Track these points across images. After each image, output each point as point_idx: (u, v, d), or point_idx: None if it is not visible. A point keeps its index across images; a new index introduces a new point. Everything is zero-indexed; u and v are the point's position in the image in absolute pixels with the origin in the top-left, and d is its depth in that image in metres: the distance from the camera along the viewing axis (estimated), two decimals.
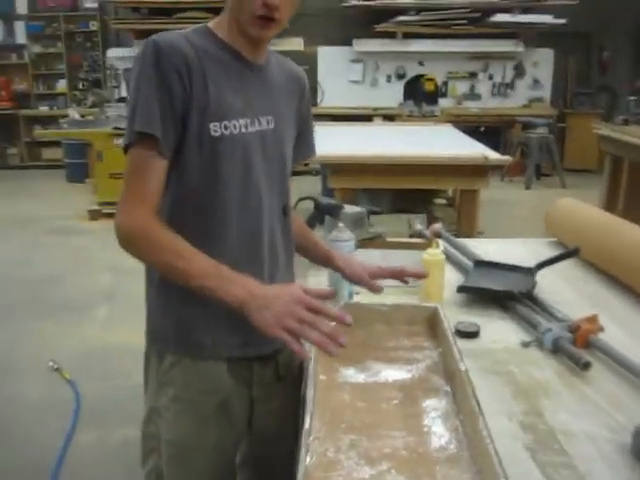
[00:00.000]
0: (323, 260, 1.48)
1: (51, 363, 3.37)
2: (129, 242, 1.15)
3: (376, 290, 1.34)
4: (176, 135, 1.16)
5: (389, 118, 8.18)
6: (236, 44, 1.24)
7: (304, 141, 1.46)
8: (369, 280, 1.35)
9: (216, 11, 1.38)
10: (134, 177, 1.16)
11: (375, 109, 8.52)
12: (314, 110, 7.35)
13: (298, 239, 1.45)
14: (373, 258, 1.67)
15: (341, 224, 1.55)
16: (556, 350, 1.34)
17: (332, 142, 4.70)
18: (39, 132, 7.37)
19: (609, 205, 5.74)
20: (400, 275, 1.37)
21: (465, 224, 4.08)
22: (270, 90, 1.30)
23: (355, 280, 1.39)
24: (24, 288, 4.55)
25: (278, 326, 1.01)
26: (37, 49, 9.31)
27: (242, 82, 1.24)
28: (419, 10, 8.26)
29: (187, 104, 1.15)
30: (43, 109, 9.33)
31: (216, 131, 1.18)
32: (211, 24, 1.26)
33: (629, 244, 1.69)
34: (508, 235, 4.84)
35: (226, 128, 1.19)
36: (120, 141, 1.23)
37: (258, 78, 1.28)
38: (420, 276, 1.39)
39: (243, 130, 1.22)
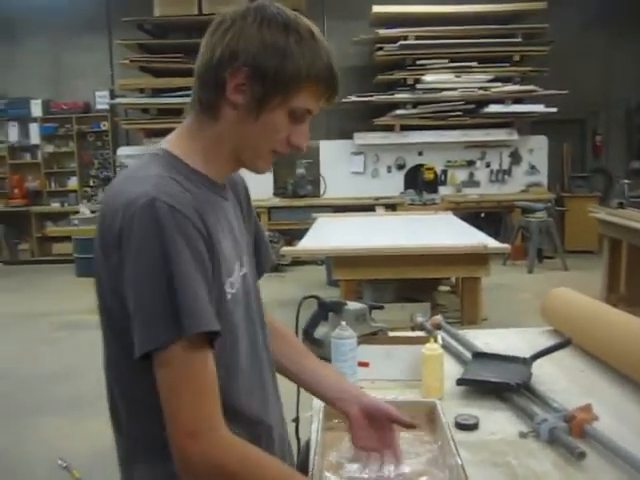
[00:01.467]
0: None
1: (60, 461, 3.36)
2: (229, 470, 0.95)
3: (409, 425, 1.26)
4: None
5: (391, 207, 8.40)
6: (211, 171, 1.09)
7: (262, 250, 1.31)
8: (398, 415, 1.25)
9: None
10: (193, 392, 0.93)
11: (377, 199, 8.73)
12: (318, 201, 7.57)
13: (302, 376, 1.34)
14: (376, 353, 1.75)
15: (343, 322, 1.64)
16: (552, 440, 1.39)
17: (336, 233, 4.84)
18: (51, 229, 7.57)
19: (611, 286, 5.82)
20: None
21: (468, 311, 4.16)
22: (234, 211, 1.18)
23: (379, 410, 1.26)
24: (32, 384, 4.57)
25: None
26: (50, 149, 9.71)
27: (226, 218, 1.11)
28: (415, 104, 8.62)
29: (211, 275, 0.99)
30: (55, 205, 9.62)
31: (229, 293, 1.05)
32: (175, 150, 1.07)
33: (619, 333, 1.77)
34: (513, 320, 4.92)
35: (232, 286, 1.06)
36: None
37: (229, 205, 1.15)
38: (407, 427, 1.27)
39: (240, 279, 1.10)
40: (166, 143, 1.10)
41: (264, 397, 1.19)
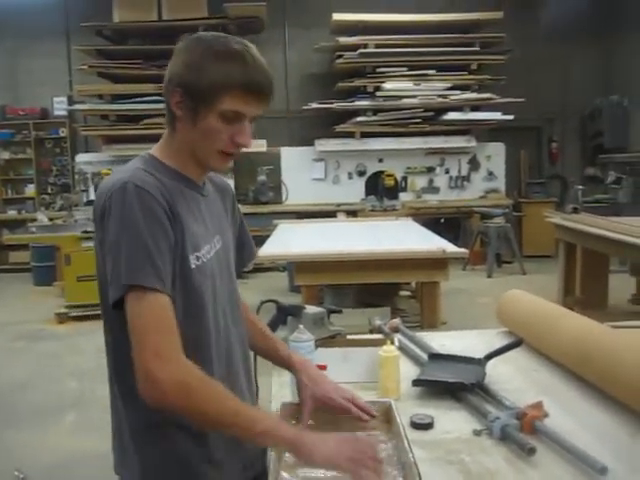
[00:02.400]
0: (284, 366, 1.54)
1: (17, 473, 3.30)
2: (179, 398, 1.12)
3: (304, 423, 1.39)
4: (172, 271, 1.20)
5: (352, 213, 8.45)
6: (187, 171, 1.32)
7: (244, 247, 1.57)
8: (305, 412, 1.41)
9: None
10: (155, 325, 1.14)
11: (338, 205, 8.80)
12: (280, 208, 7.59)
13: (259, 343, 1.55)
14: (334, 356, 1.77)
15: (301, 325, 1.65)
16: (504, 437, 1.43)
17: (297, 239, 4.85)
18: (8, 237, 7.42)
19: (567, 289, 5.95)
20: (347, 409, 1.41)
21: (428, 315, 4.21)
22: (213, 209, 1.39)
23: (300, 398, 1.45)
24: None
25: (341, 457, 1.15)
26: (6, 155, 9.53)
27: (198, 208, 1.32)
28: (376, 111, 8.72)
29: (173, 240, 1.20)
30: (11, 213, 9.45)
31: (194, 263, 1.24)
32: (157, 153, 1.32)
33: (569, 333, 1.82)
34: (472, 323, 5.00)
35: (198, 259, 1.26)
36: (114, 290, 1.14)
37: (205, 200, 1.36)
38: (368, 413, 1.42)
39: (208, 257, 1.29)
40: (152, 149, 1.34)
41: (233, 382, 1.33)
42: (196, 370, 1.15)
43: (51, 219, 7.44)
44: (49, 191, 9.56)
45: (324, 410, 1.41)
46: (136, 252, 1.14)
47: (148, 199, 1.17)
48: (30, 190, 9.61)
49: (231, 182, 8.85)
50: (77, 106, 8.86)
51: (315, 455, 1.15)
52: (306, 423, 1.38)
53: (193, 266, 1.24)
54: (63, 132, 9.46)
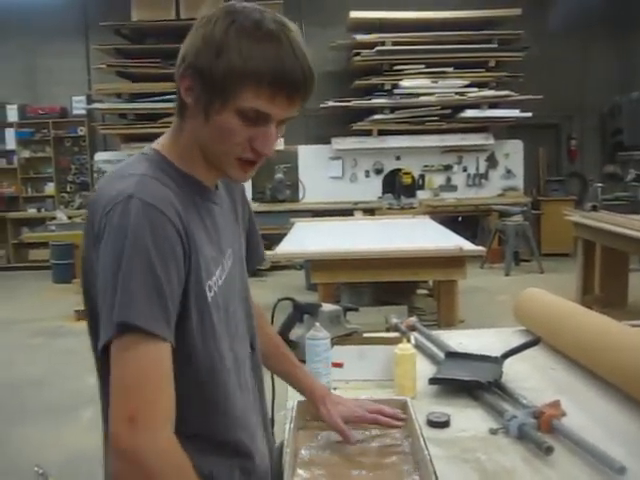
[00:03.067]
0: (303, 394, 1.45)
1: (36, 468, 3.32)
2: (150, 473, 0.89)
3: (351, 442, 1.32)
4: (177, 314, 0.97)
5: (369, 211, 8.44)
6: (200, 174, 1.08)
7: (253, 249, 1.34)
8: (344, 428, 1.33)
9: None
10: (150, 384, 0.91)
11: (355, 203, 8.79)
12: (297, 206, 7.60)
13: (277, 365, 1.44)
14: (350, 354, 1.77)
15: (317, 323, 1.66)
16: (521, 436, 1.42)
17: (314, 238, 4.85)
18: (28, 235, 7.50)
19: (585, 288, 5.91)
20: (377, 420, 1.37)
21: (445, 314, 4.20)
22: (225, 217, 1.17)
23: (330, 424, 1.37)
24: (7, 392, 4.53)
25: None
26: (26, 154, 9.62)
27: (212, 222, 1.10)
28: (393, 109, 8.69)
29: (187, 271, 0.98)
30: (31, 211, 9.55)
31: (209, 296, 1.03)
32: (164, 151, 1.07)
33: (587, 331, 1.81)
34: (489, 322, 4.96)
35: (210, 289, 1.04)
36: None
37: (219, 209, 1.14)
38: (398, 419, 1.39)
39: (220, 282, 1.08)
40: (156, 144, 1.09)
41: (250, 425, 1.17)
42: (172, 453, 0.92)
43: (70, 217, 7.52)
44: (68, 189, 9.65)
45: (354, 428, 1.37)
46: (143, 288, 0.90)
47: (161, 222, 0.93)
48: (49, 188, 9.70)
49: (248, 181, 8.88)
50: (96, 105, 8.94)
51: None
52: (350, 434, 1.33)
53: (209, 299, 1.03)
54: (82, 131, 9.54)
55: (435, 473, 1.09)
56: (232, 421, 1.10)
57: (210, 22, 0.98)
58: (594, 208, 5.99)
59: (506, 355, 1.78)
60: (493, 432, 1.47)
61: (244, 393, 1.15)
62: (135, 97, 8.61)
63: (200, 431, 1.05)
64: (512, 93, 8.64)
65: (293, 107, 1.01)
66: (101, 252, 0.94)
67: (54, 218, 7.62)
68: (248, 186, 8.92)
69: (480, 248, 4.46)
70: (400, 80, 8.55)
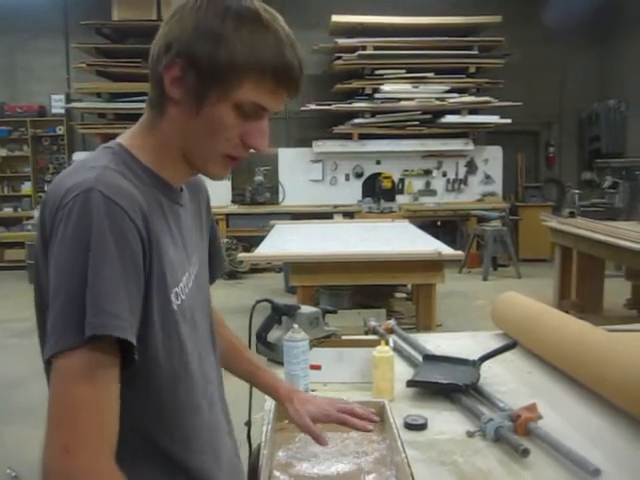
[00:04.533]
0: (268, 393, 1.36)
1: (9, 471, 3.29)
2: None
3: (322, 443, 1.22)
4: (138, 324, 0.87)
5: (349, 215, 8.46)
6: (165, 173, 0.99)
7: (215, 258, 1.22)
8: (314, 430, 1.22)
9: None
10: (86, 405, 0.80)
11: (335, 206, 8.80)
12: (277, 208, 7.58)
13: (238, 365, 1.33)
14: (328, 356, 1.77)
15: (295, 325, 1.65)
16: (498, 439, 1.43)
17: (293, 240, 4.85)
18: (4, 234, 7.42)
19: (562, 293, 5.98)
20: (345, 421, 1.26)
21: (423, 317, 4.21)
22: (190, 220, 1.08)
23: (299, 424, 1.26)
24: None
25: None
26: (3, 153, 9.49)
27: (177, 224, 1.01)
28: (374, 113, 8.71)
29: (148, 277, 0.89)
30: (7, 210, 9.42)
31: (175, 303, 0.95)
32: (130, 146, 0.98)
33: (564, 336, 1.83)
34: (467, 326, 5.00)
35: (177, 296, 0.95)
36: None
37: (183, 211, 1.05)
38: (370, 420, 1.26)
39: (186, 290, 0.99)
40: (121, 138, 1.01)
41: (216, 444, 1.08)
42: (110, 476, 0.82)
43: None
44: (45, 189, 9.53)
45: (332, 430, 1.33)
46: (99, 291, 0.80)
47: (121, 218, 0.84)
48: (26, 188, 9.57)
49: (227, 183, 8.87)
50: (75, 104, 8.86)
51: None
52: (320, 435, 1.22)
53: (175, 307, 0.94)
54: (60, 130, 9.44)
55: (412, 476, 1.09)
56: (194, 445, 0.99)
57: (197, 9, 0.92)
58: (571, 214, 6.05)
59: (483, 358, 1.79)
60: (470, 435, 1.47)
61: (212, 410, 1.06)
62: (115, 97, 8.54)
63: (155, 454, 0.95)
64: (492, 99, 8.71)
65: (288, 99, 0.98)
66: (58, 249, 0.83)
67: (31, 218, 7.53)
68: (227, 188, 8.91)
69: (458, 252, 4.48)
70: (381, 84, 8.58)
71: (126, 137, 1.01)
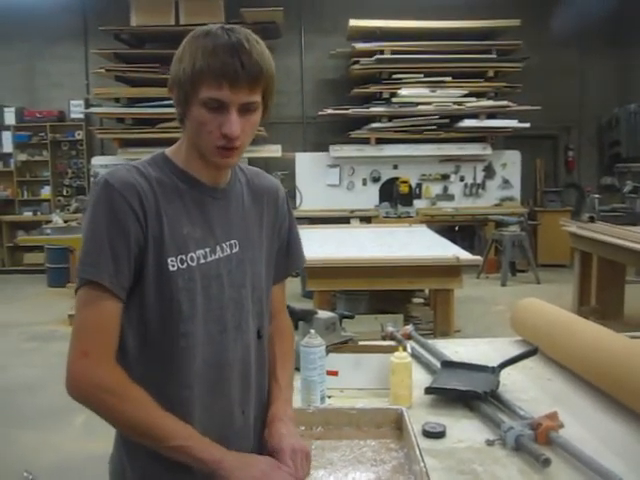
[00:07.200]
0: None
1: (26, 474, 3.30)
2: (93, 399, 1.13)
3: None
4: (131, 275, 1.15)
5: (366, 220, 8.43)
6: (194, 170, 1.24)
7: (290, 253, 1.46)
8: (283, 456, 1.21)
9: None
10: (91, 325, 1.14)
11: (352, 211, 8.79)
12: (294, 213, 7.57)
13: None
14: (345, 362, 1.75)
15: (312, 330, 1.64)
16: (518, 448, 1.40)
17: (310, 245, 4.83)
18: (23, 238, 7.47)
19: (582, 299, 5.90)
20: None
21: (441, 323, 4.16)
22: (234, 213, 1.30)
23: (270, 447, 1.24)
24: (0, 396, 4.49)
25: None
26: (23, 157, 9.59)
27: (201, 210, 1.24)
28: (391, 117, 8.69)
29: (144, 242, 1.16)
30: (27, 215, 9.52)
31: (173, 266, 1.18)
32: (168, 151, 1.27)
33: (585, 342, 1.79)
34: (486, 332, 4.96)
35: (182, 262, 1.19)
36: None
37: (219, 203, 1.28)
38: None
39: (202, 261, 1.21)
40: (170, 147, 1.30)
41: (223, 408, 1.28)
42: (120, 376, 1.14)
43: (66, 221, 7.48)
44: (64, 193, 9.63)
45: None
46: (93, 249, 1.14)
47: (116, 198, 1.14)
48: (46, 192, 9.68)
49: None
50: (93, 109, 8.92)
51: None
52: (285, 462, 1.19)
53: (173, 268, 1.18)
54: (79, 135, 9.53)
55: None
56: (184, 384, 1.22)
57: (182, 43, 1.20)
58: (591, 219, 5.99)
59: (503, 365, 1.77)
60: (490, 443, 1.45)
61: (221, 378, 1.25)
62: (133, 102, 8.58)
63: (150, 385, 1.18)
64: (510, 103, 8.65)
65: (242, 91, 1.14)
66: (83, 219, 1.20)
67: (50, 222, 7.57)
68: None
69: (477, 258, 4.43)
70: (398, 89, 8.55)
71: (172, 146, 1.29)
